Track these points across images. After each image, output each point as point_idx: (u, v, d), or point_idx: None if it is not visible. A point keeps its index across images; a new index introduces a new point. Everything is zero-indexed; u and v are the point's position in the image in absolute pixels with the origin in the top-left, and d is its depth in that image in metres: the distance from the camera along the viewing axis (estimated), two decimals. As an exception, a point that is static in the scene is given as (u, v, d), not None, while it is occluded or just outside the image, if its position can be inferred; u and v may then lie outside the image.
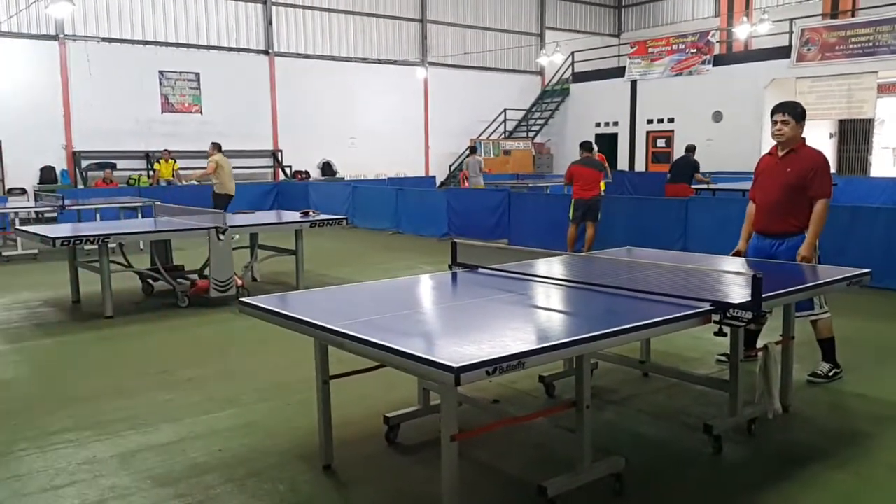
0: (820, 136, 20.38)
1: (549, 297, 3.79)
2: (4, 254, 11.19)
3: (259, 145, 20.69)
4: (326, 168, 21.48)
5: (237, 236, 8.04)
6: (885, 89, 19.47)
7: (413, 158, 23.59)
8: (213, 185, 12.26)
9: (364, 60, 22.56)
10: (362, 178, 20.23)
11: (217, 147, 12.11)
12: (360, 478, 3.55)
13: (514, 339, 2.91)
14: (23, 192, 16.50)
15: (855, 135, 22.41)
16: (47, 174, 17.41)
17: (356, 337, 2.84)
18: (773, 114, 4.74)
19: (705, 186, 12.73)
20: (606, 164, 16.04)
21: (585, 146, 10.53)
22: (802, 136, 4.76)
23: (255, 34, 20.64)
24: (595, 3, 28.80)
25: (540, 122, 25.51)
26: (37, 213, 11.20)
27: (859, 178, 19.23)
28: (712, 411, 4.18)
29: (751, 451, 3.78)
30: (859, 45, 17.97)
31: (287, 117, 20.95)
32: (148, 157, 18.60)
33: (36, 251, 11.09)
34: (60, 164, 17.75)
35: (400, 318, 3.37)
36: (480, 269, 4.39)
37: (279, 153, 21.03)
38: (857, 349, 5.30)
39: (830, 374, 4.76)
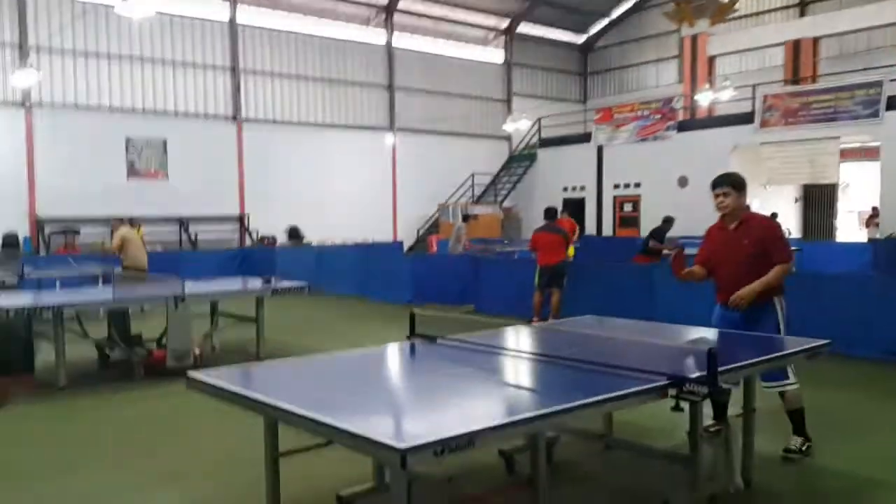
0: (785, 202, 20.82)
1: (507, 371, 3.70)
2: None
3: (225, 210, 20.61)
4: (294, 233, 21.39)
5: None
6: (847, 154, 19.95)
7: (382, 223, 23.65)
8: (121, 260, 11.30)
9: (332, 126, 22.80)
10: (330, 243, 20.14)
11: (124, 221, 11.62)
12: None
13: (465, 416, 2.81)
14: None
15: (820, 199, 22.93)
16: (9, 240, 17.07)
17: (302, 415, 2.74)
18: (713, 187, 4.78)
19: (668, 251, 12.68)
20: (577, 229, 16.21)
21: (549, 213, 10.61)
22: (747, 204, 4.82)
23: (224, 101, 20.81)
24: (561, 71, 29.63)
25: (508, 186, 25.84)
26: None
27: (825, 242, 19.56)
28: (674, 487, 4.07)
29: (714, 529, 3.67)
30: (821, 111, 18.45)
31: (254, 182, 20.95)
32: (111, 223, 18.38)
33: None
34: (24, 230, 17.45)
35: (352, 393, 3.26)
36: (439, 341, 4.31)
37: (245, 218, 20.95)
38: (824, 421, 5.23)
39: (804, 447, 4.64)
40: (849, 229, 22.40)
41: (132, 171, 19.16)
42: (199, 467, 4.60)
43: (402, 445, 2.29)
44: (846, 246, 17.36)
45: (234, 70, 20.93)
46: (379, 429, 2.66)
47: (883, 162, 17.71)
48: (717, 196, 4.75)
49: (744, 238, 4.66)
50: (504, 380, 3.54)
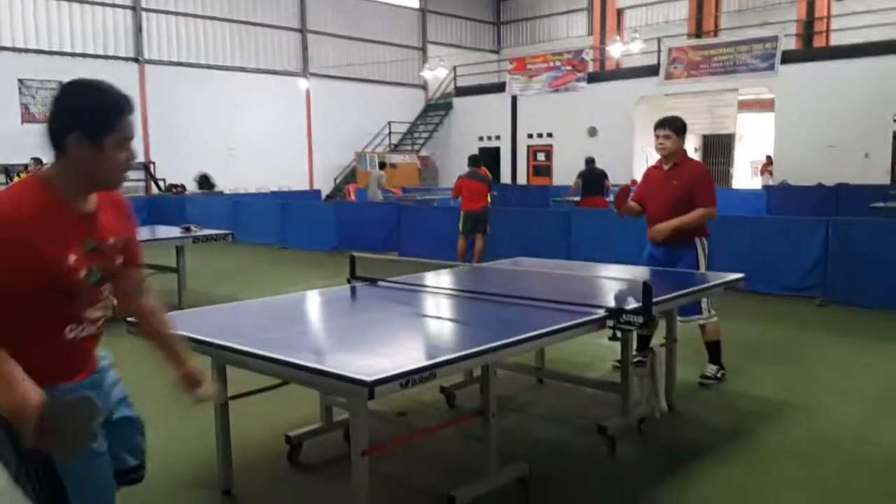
0: (687, 151, 21.75)
1: (451, 309, 3.84)
2: None
3: (130, 157, 19.66)
4: (204, 181, 20.68)
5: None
6: (744, 105, 20.98)
7: (296, 171, 23.18)
8: None
9: (242, 70, 22.00)
10: (243, 191, 19.62)
11: (39, 162, 10.65)
12: (263, 501, 3.45)
13: (422, 350, 2.93)
14: None
15: (718, 149, 24.06)
16: None
17: (262, 355, 2.76)
18: (655, 128, 5.02)
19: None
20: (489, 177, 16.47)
21: (473, 160, 10.76)
22: (684, 149, 5.08)
23: (125, 41, 19.69)
24: (475, 20, 29.51)
25: (425, 135, 25.77)
26: None
27: (723, 189, 20.59)
28: (605, 413, 4.36)
29: (642, 450, 3.98)
30: (721, 64, 19.30)
31: (160, 128, 20.01)
32: (7, 171, 17.26)
33: None
34: None
35: (302, 334, 3.32)
36: (380, 283, 4.38)
37: (151, 165, 20.11)
38: (736, 350, 5.66)
39: (718, 375, 5.07)
40: (744, 177, 23.65)
41: (27, 115, 17.96)
42: (143, 416, 4.53)
43: (369, 378, 2.37)
44: (742, 192, 18.40)
45: (136, 8, 19.78)
46: (342, 364, 2.74)
47: (777, 113, 18.72)
48: (657, 137, 4.98)
49: (675, 179, 4.95)
50: (451, 317, 3.67)
